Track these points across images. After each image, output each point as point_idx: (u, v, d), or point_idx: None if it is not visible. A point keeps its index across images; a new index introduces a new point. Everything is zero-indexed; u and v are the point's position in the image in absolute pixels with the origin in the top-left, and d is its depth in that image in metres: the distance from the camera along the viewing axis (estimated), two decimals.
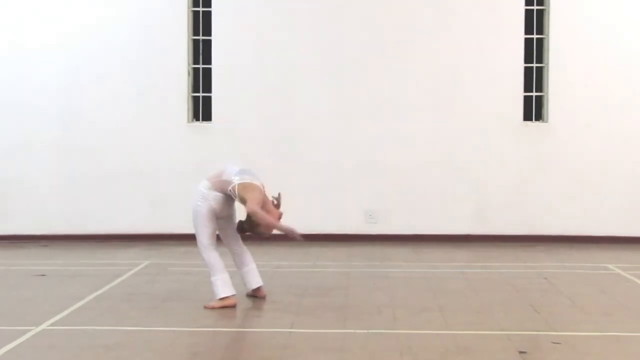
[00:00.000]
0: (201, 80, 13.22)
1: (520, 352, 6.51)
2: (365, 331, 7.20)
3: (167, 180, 12.96)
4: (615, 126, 12.91)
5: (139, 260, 11.05)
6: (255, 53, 13.04)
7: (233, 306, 8.12)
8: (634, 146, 12.91)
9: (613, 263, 10.90)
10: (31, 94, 13.00)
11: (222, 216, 8.33)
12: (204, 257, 8.27)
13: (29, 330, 7.09)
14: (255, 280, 8.58)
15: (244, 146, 12.95)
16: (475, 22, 12.96)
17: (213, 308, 8.10)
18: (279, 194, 8.50)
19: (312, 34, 13.02)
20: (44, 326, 7.29)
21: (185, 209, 12.95)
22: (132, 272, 10.19)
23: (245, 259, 8.57)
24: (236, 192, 8.09)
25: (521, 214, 12.97)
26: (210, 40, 13.16)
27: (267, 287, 8.70)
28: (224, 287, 8.19)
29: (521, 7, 13.04)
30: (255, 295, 8.59)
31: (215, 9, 13.08)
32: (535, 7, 13.14)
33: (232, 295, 8.20)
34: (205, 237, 8.24)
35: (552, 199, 12.97)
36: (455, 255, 11.67)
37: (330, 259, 11.41)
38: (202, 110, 13.24)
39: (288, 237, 8.17)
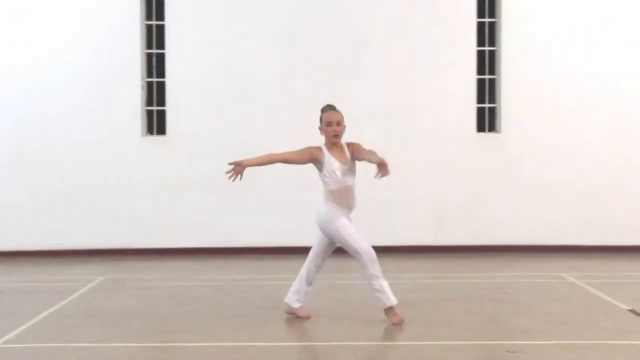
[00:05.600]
0: (155, 93, 13.17)
1: None
2: (325, 343, 7.18)
3: (122, 194, 12.88)
4: (566, 137, 13.05)
5: (95, 275, 10.94)
6: (209, 66, 13.00)
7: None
8: (585, 157, 13.07)
9: (567, 272, 11.00)
10: None
11: None
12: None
13: None
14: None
15: (199, 159, 12.91)
16: (428, 35, 13.03)
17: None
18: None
19: (265, 46, 13.00)
20: None
21: (142, 223, 13.06)
22: (88, 287, 10.10)
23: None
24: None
25: (478, 224, 13.05)
26: (163, 54, 13.12)
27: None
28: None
29: (473, 20, 13.16)
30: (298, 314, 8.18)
31: (169, 22, 13.04)
32: (487, 20, 13.28)
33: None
34: None
35: (509, 209, 13.06)
36: (412, 266, 11.71)
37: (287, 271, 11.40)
38: (156, 123, 13.19)
39: None
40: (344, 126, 7.92)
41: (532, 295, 9.54)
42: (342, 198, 7.83)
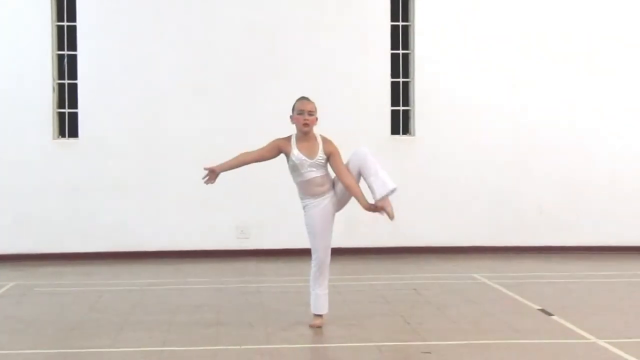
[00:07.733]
0: (67, 95, 12.96)
1: None
2: (238, 347, 7.17)
3: (33, 198, 12.65)
4: (478, 140, 13.27)
5: (4, 281, 10.72)
6: (121, 67, 12.86)
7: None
8: (496, 159, 13.29)
9: (479, 272, 11.19)
10: None
11: None
12: None
13: None
14: None
15: (112, 162, 12.77)
16: (342, 37, 13.10)
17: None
18: None
19: (177, 47, 12.91)
20: None
21: (53, 227, 12.81)
22: None
23: None
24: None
25: (390, 226, 13.09)
26: (75, 55, 12.92)
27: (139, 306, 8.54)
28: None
29: (387, 23, 13.28)
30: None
31: (80, 23, 12.85)
32: (400, 23, 13.42)
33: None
34: None
35: (421, 211, 13.19)
36: None
37: (201, 275, 11.35)
38: (68, 126, 12.97)
39: None
40: (316, 118, 7.85)
41: (444, 295, 9.66)
42: (306, 189, 7.85)
